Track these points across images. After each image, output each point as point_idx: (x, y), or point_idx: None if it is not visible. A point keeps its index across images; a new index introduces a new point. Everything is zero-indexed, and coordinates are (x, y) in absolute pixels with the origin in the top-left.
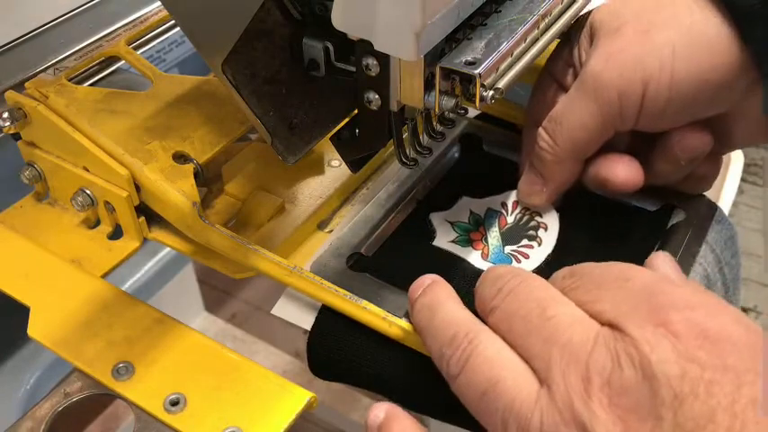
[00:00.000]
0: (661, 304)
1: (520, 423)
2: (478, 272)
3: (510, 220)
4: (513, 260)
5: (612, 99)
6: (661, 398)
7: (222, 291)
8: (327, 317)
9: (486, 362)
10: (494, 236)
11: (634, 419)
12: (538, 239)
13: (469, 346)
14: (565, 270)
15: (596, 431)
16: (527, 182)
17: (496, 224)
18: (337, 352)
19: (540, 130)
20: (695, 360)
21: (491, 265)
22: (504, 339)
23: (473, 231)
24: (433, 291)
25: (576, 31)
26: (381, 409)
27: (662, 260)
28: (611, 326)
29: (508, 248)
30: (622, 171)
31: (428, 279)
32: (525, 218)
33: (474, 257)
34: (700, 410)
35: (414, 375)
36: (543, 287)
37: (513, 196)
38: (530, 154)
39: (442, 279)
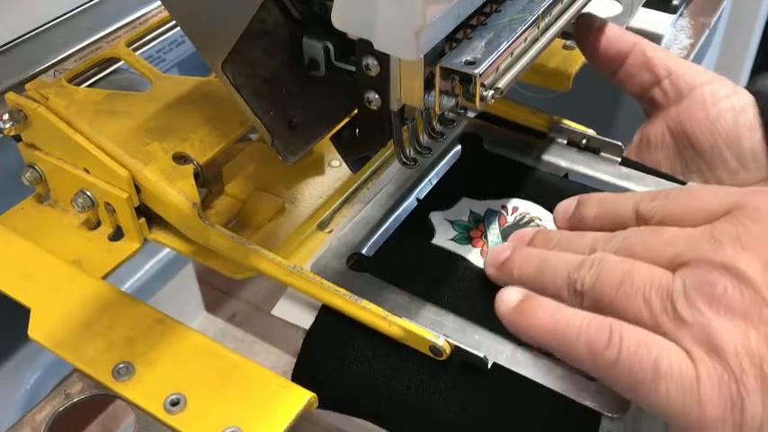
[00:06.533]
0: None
1: (662, 291)
2: (478, 270)
3: (510, 219)
4: None
5: None
6: None
7: (222, 291)
8: (327, 317)
9: (618, 264)
10: (494, 233)
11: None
12: None
13: (598, 262)
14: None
15: (740, 265)
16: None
17: (497, 222)
18: (335, 352)
19: None
20: None
21: None
22: None
23: (473, 229)
24: (535, 248)
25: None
26: (517, 292)
27: None
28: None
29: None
30: None
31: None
32: (525, 219)
33: (473, 255)
34: None
35: (412, 375)
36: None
37: (513, 202)
38: None
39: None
